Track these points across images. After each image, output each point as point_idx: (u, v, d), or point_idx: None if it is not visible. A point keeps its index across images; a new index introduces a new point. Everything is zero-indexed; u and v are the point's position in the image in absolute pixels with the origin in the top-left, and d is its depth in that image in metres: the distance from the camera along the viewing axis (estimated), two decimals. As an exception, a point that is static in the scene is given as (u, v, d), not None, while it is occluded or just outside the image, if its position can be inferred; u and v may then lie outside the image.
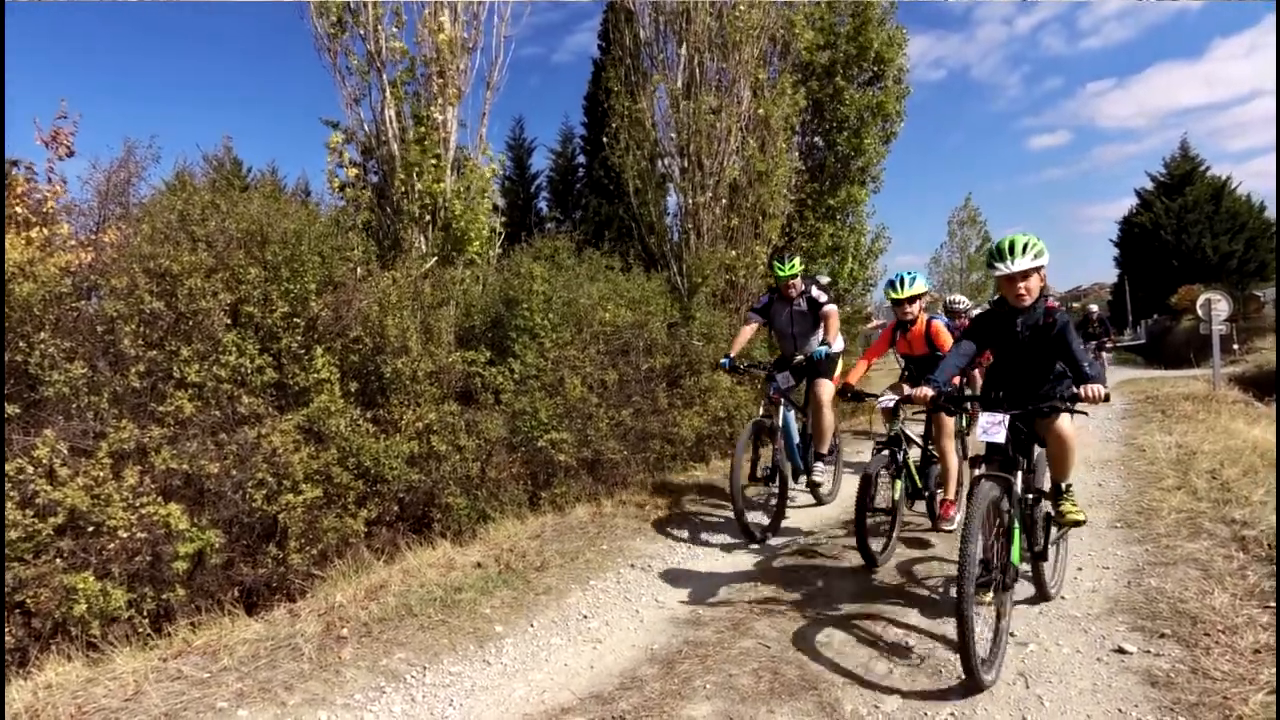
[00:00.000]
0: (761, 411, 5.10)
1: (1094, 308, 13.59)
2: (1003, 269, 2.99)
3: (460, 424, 5.15)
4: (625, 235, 11.00)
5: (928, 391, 3.10)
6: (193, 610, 3.66)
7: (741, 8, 8.61)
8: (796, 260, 5.21)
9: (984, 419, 2.96)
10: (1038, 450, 3.36)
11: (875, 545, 4.09)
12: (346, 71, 6.47)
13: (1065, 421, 3.16)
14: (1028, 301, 3.05)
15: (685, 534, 4.97)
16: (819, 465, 5.39)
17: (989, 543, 2.78)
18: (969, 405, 4.12)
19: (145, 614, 3.54)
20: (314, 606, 3.55)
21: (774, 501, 4.92)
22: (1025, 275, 3.02)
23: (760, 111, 8.99)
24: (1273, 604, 3.13)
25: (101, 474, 3.52)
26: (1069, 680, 2.72)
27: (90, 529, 3.45)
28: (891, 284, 4.53)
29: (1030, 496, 3.19)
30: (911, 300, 4.49)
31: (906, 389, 4.19)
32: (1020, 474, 3.03)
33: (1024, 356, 3.21)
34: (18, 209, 4.00)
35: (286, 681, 2.92)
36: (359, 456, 4.51)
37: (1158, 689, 2.59)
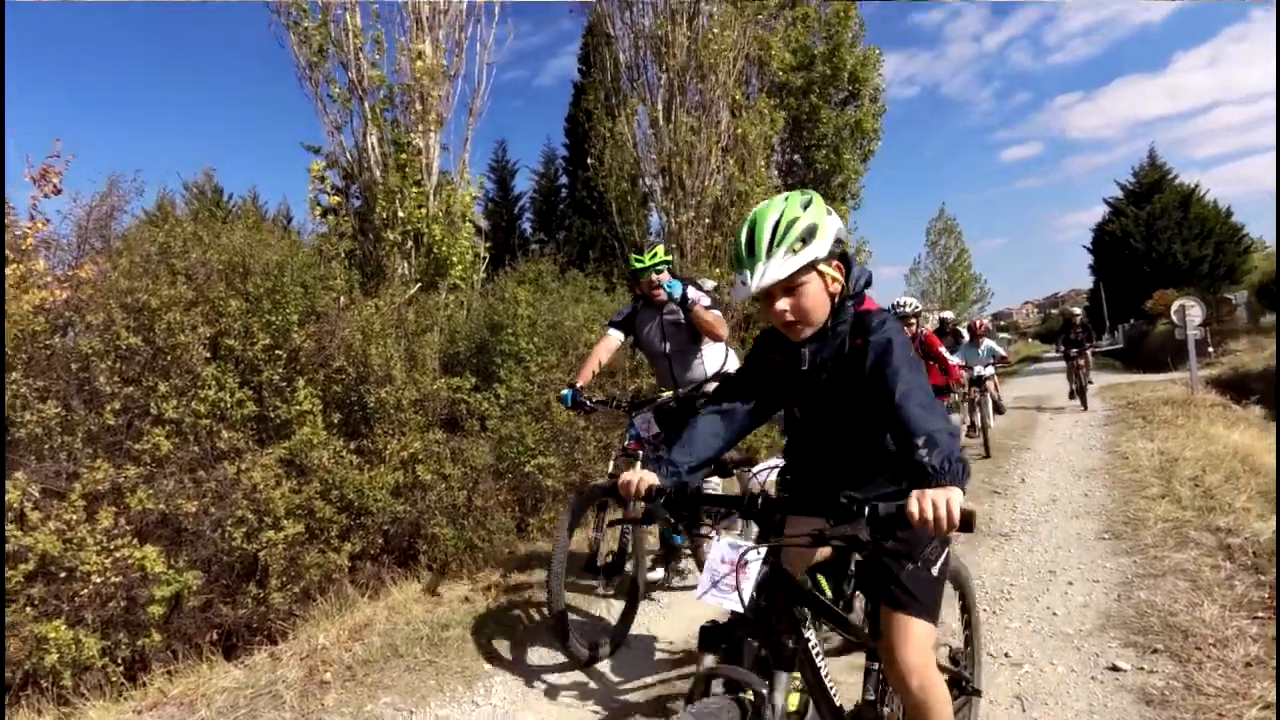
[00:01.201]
0: (610, 469, 3.58)
1: (1076, 311, 12.96)
2: (745, 289, 1.55)
3: (446, 452, 5.08)
4: (609, 255, 11.04)
5: (645, 483, 1.57)
6: (169, 656, 3.54)
7: (715, 30, 8.76)
8: (660, 249, 3.78)
9: (712, 557, 1.45)
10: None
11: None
12: (329, 99, 6.50)
13: (916, 643, 1.54)
14: (806, 331, 1.62)
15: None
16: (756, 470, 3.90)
17: None
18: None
19: (119, 662, 3.41)
20: (296, 649, 3.45)
21: (660, 585, 3.44)
22: (790, 289, 1.57)
23: (739, 131, 9.12)
24: (1261, 614, 3.15)
25: (74, 517, 3.40)
26: (1065, 701, 2.70)
27: (62, 575, 3.33)
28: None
29: (877, 666, 1.69)
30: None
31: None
32: (782, 681, 1.38)
33: (825, 415, 1.70)
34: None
35: (268, 730, 2.82)
36: (342, 489, 4.42)
37: (1153, 707, 2.58)
